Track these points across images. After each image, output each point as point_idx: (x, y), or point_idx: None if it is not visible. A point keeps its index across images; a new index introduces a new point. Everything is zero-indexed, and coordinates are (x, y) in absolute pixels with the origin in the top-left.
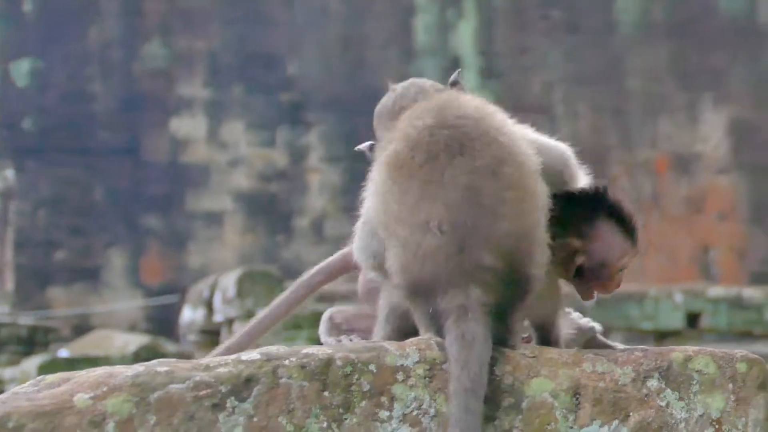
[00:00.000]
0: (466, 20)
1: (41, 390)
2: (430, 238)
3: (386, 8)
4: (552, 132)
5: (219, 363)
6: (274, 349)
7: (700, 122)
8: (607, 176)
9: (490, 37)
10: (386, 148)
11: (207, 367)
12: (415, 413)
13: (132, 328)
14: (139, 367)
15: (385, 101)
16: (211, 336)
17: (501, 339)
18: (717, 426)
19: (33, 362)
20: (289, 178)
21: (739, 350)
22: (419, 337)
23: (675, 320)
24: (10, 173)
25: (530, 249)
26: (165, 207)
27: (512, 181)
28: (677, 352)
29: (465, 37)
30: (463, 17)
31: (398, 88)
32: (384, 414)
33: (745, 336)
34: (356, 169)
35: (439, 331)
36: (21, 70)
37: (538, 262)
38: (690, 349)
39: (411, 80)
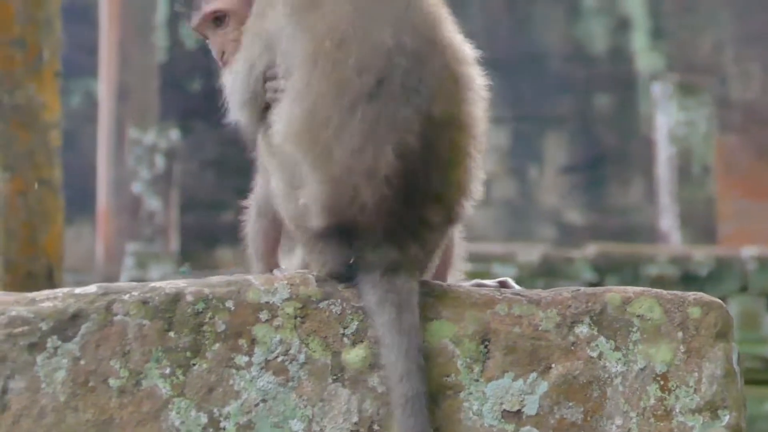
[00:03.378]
0: None
1: None
2: (376, 187)
3: None
4: (723, 94)
5: (47, 297)
6: (119, 284)
7: None
8: None
9: None
10: (302, 47)
11: (32, 301)
12: (280, 359)
13: None
14: None
15: None
16: None
17: None
18: (662, 382)
19: None
20: None
21: (693, 292)
22: (294, 271)
23: None
24: (174, 134)
25: (466, 205)
26: None
27: (464, 124)
28: (614, 293)
29: None
30: None
31: None
32: (242, 359)
33: None
34: (522, 130)
35: (349, 278)
36: (190, 32)
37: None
38: (630, 289)
39: None
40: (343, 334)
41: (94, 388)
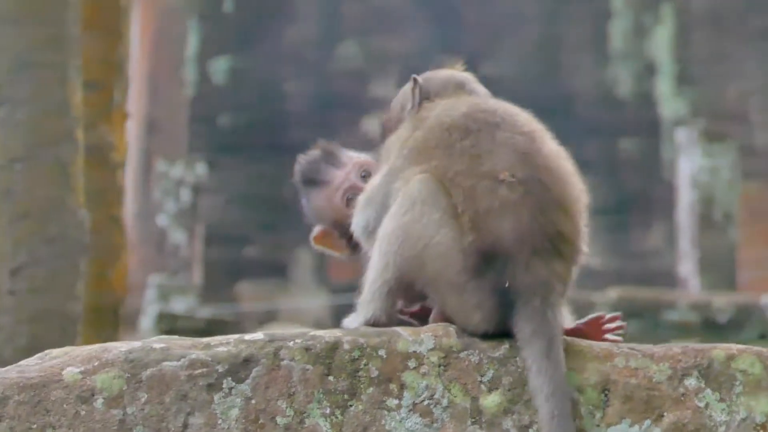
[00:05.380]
0: (663, 25)
1: (39, 363)
2: (505, 188)
3: (582, 12)
4: (748, 142)
5: (220, 342)
6: (281, 331)
7: None
8: None
9: (687, 43)
10: (409, 135)
11: (207, 346)
12: (426, 403)
13: (317, 325)
14: (136, 343)
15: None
16: None
17: None
18: (762, 431)
19: None
20: None
21: None
22: (436, 324)
23: None
24: (201, 168)
25: (585, 228)
26: None
27: (557, 150)
28: (719, 349)
29: (661, 42)
30: (660, 22)
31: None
32: (392, 402)
33: None
34: None
35: (504, 312)
36: (219, 68)
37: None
38: (734, 347)
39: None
40: (481, 381)
41: (263, 425)
